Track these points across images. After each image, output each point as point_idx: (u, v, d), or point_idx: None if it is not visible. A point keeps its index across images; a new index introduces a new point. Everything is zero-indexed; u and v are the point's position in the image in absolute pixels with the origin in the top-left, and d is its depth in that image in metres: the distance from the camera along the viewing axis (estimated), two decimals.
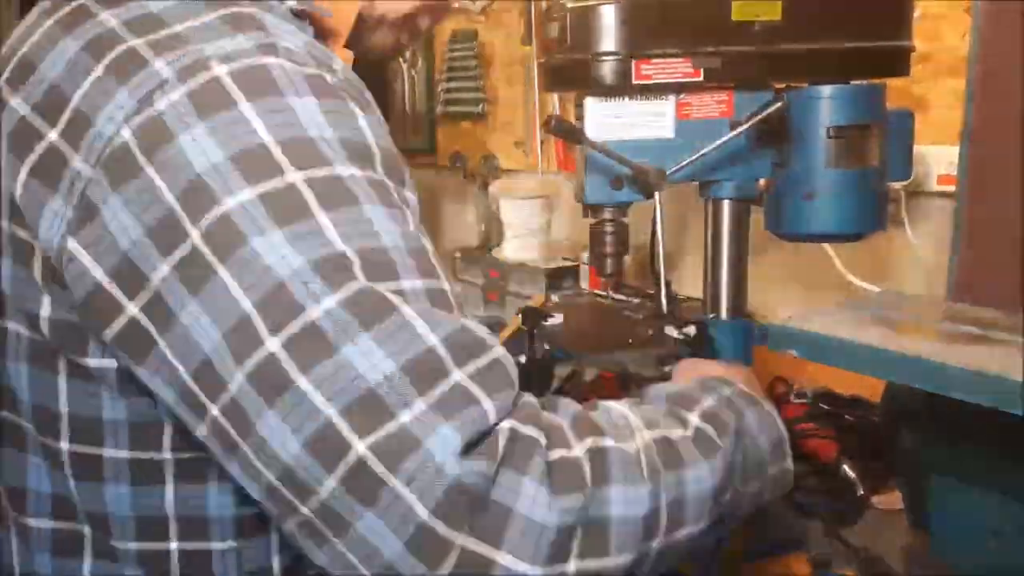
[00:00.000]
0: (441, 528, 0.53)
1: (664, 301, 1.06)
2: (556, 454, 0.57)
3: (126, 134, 0.59)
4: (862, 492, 1.27)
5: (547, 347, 1.11)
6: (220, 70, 0.60)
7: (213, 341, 0.56)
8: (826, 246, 1.60)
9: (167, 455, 0.67)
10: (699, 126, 1.03)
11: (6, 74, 0.67)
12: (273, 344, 0.55)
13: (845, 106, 0.99)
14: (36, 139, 0.62)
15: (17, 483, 0.70)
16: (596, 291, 2.02)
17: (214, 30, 0.62)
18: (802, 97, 0.99)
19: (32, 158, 0.62)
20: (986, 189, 1.26)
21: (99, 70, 0.61)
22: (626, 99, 1.02)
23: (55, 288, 0.63)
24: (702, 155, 0.99)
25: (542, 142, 2.28)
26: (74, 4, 0.66)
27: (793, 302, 1.68)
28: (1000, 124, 1.23)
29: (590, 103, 1.02)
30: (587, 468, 0.57)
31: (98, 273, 0.60)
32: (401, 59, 2.63)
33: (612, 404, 0.68)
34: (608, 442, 0.59)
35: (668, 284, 1.06)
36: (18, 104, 0.64)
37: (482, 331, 0.60)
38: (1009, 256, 1.20)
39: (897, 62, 1.03)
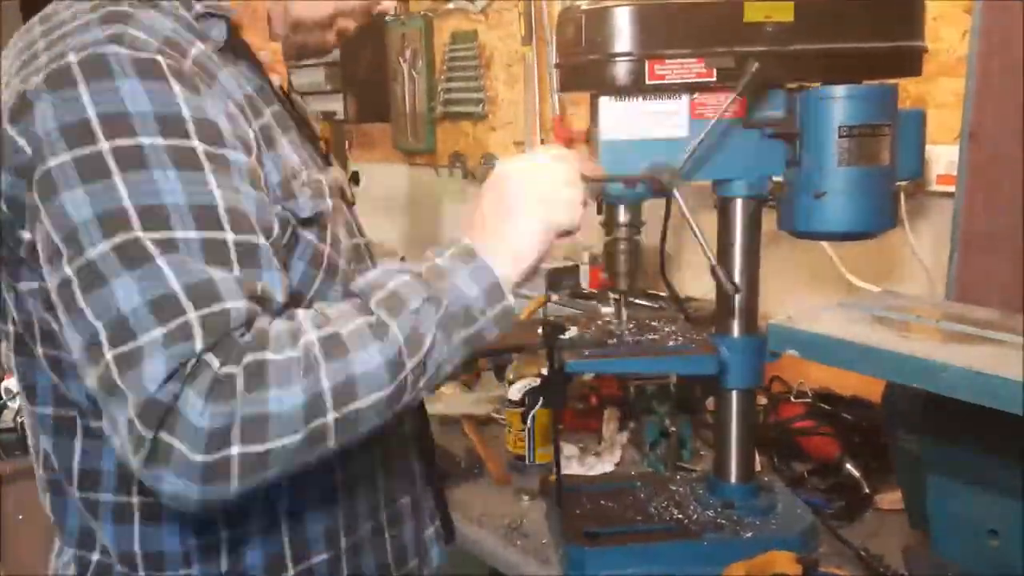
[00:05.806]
0: (139, 425, 0.73)
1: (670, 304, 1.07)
2: (223, 371, 0.73)
3: (3, 110, 0.78)
4: (867, 491, 1.28)
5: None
6: (72, 58, 0.76)
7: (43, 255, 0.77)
8: (826, 246, 1.60)
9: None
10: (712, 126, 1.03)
11: None
12: (68, 271, 0.75)
13: (857, 106, 0.99)
14: None
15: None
16: (595, 290, 2.02)
17: (87, 26, 0.78)
18: (814, 97, 1.00)
19: None
20: (985, 189, 1.26)
21: (15, 66, 0.80)
22: (640, 99, 1.02)
23: None
24: (694, 148, 0.99)
25: (542, 142, 2.28)
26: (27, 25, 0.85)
27: (793, 301, 1.68)
28: (1000, 124, 1.23)
29: (604, 103, 1.03)
30: (240, 381, 0.73)
31: None
32: (401, 59, 2.64)
33: (299, 312, 0.81)
34: (267, 355, 0.75)
35: (670, 285, 1.07)
36: None
37: (229, 286, 0.75)
38: (1008, 256, 1.20)
39: (909, 62, 1.03)
